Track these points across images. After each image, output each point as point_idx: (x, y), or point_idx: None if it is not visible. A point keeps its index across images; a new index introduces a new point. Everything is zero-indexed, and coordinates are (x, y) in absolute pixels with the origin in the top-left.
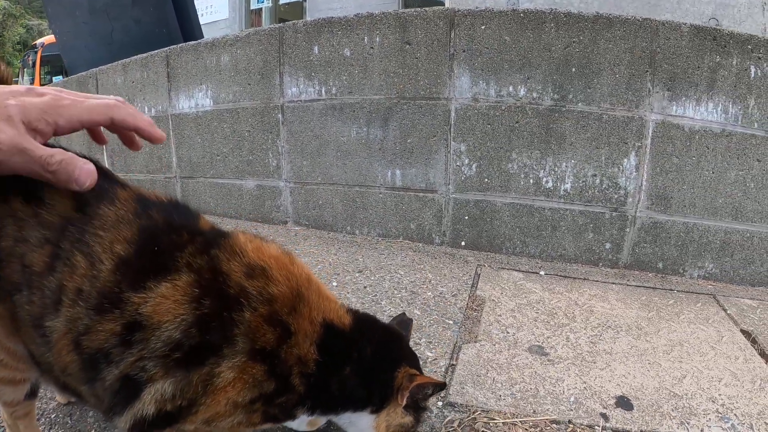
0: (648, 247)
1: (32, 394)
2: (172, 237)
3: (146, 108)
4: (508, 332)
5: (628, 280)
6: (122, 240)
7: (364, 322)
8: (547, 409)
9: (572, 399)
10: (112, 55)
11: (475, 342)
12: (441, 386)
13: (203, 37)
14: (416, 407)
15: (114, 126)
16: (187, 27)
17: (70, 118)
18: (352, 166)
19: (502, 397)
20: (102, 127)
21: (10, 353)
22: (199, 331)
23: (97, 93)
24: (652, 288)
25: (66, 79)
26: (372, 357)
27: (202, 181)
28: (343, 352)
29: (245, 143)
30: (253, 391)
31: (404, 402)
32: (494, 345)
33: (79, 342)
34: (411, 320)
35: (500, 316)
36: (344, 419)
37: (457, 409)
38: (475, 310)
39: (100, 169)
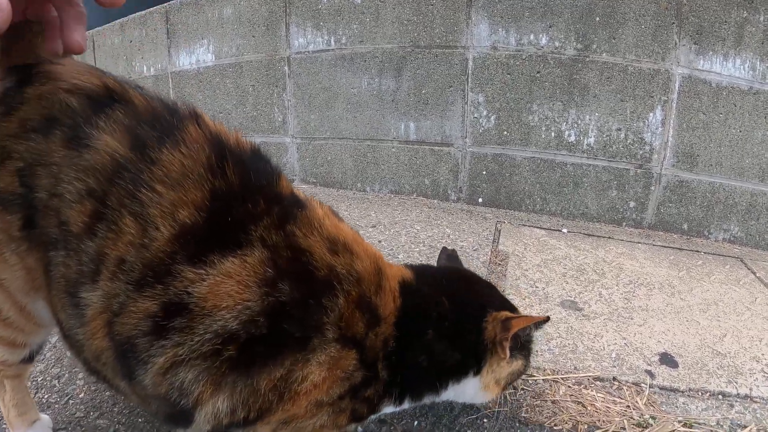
0: (673, 207)
1: (29, 358)
2: (247, 205)
3: (145, 67)
4: (536, 287)
5: (653, 241)
6: (189, 204)
7: (424, 272)
8: (589, 366)
9: (614, 355)
10: (104, 11)
11: None
12: (544, 321)
13: None
14: (522, 348)
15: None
16: None
17: None
18: (363, 119)
19: (540, 353)
20: None
21: (22, 311)
22: (271, 322)
23: (94, 55)
24: (679, 249)
25: None
26: (453, 310)
27: None
28: (421, 315)
29: (249, 98)
30: (342, 385)
31: (508, 354)
32: (524, 299)
33: (113, 324)
34: (455, 251)
35: (526, 270)
36: (449, 394)
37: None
38: (499, 264)
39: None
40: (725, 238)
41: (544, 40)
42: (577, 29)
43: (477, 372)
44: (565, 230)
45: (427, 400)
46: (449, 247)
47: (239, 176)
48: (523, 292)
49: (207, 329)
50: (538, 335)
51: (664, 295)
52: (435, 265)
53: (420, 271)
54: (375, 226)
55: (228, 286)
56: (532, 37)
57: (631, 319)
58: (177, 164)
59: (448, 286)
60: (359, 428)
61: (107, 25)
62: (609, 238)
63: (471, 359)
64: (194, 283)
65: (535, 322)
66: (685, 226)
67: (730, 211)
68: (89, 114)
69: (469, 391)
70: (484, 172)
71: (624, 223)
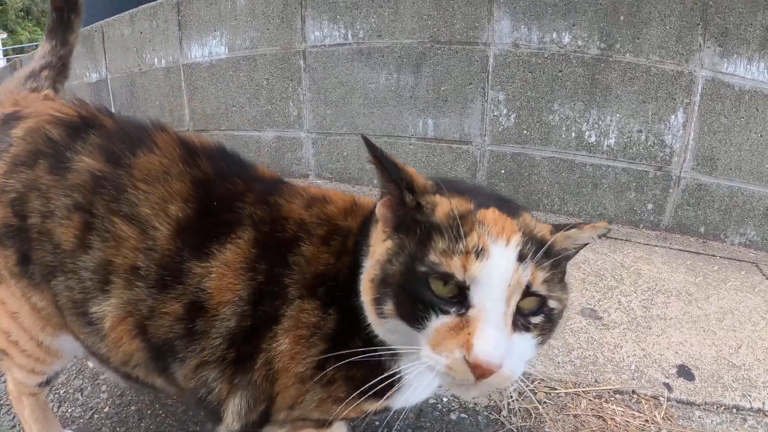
0: (691, 210)
1: (46, 383)
2: (227, 186)
3: (156, 59)
4: None
5: (670, 243)
6: (176, 196)
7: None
8: (609, 378)
9: (633, 367)
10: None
11: None
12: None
13: None
14: None
15: None
16: None
17: None
18: (380, 114)
19: (561, 365)
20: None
21: (39, 346)
22: (254, 309)
23: (104, 47)
24: (695, 253)
25: None
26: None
27: (216, 134)
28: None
29: (263, 92)
30: (312, 344)
31: None
32: None
33: (146, 328)
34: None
35: None
36: None
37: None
38: None
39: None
40: (741, 242)
41: (566, 39)
42: (600, 28)
43: None
44: None
45: None
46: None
47: (212, 166)
48: None
49: (217, 332)
50: (559, 345)
51: (681, 302)
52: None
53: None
54: None
55: (227, 278)
56: (554, 35)
57: (650, 328)
58: (155, 163)
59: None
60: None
61: (117, 16)
62: (626, 240)
63: None
64: (204, 278)
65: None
66: (702, 230)
67: (747, 216)
68: (68, 141)
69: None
70: (503, 171)
71: (641, 225)
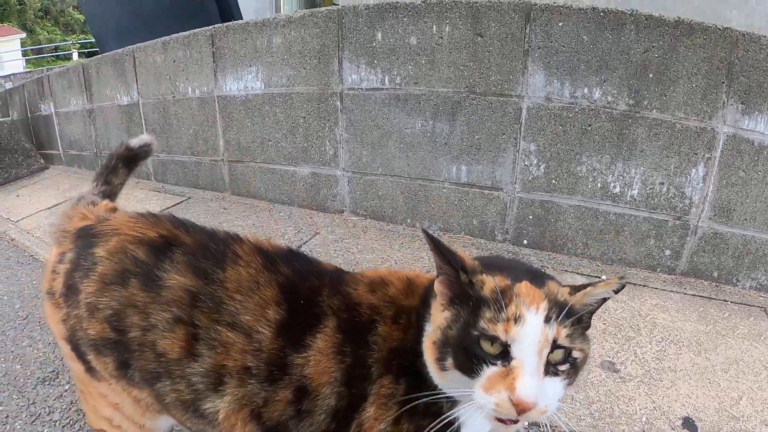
0: (706, 256)
1: None
2: (306, 285)
3: (189, 89)
4: None
5: (685, 288)
6: (270, 302)
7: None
8: (623, 430)
9: (644, 419)
10: (140, 23)
11: None
12: (621, 287)
13: (239, 8)
14: None
15: None
16: None
17: None
18: (415, 159)
19: (582, 418)
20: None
21: (141, 428)
22: (348, 389)
23: (135, 72)
24: (708, 298)
25: (100, 56)
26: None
27: (251, 165)
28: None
29: (300, 129)
30: (390, 407)
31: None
32: None
33: (260, 414)
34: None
35: None
36: None
37: (542, 429)
38: None
39: (209, 230)
40: (752, 286)
41: (597, 94)
42: (630, 85)
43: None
44: (604, 277)
45: None
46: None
47: (289, 268)
48: None
49: (321, 409)
50: (581, 399)
51: (691, 353)
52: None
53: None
54: (429, 271)
55: (323, 363)
56: (585, 90)
57: (661, 381)
58: (243, 274)
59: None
60: None
61: (149, 42)
62: (644, 286)
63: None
64: (304, 366)
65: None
66: (716, 274)
67: (759, 262)
68: (155, 261)
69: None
70: (531, 217)
71: (659, 269)
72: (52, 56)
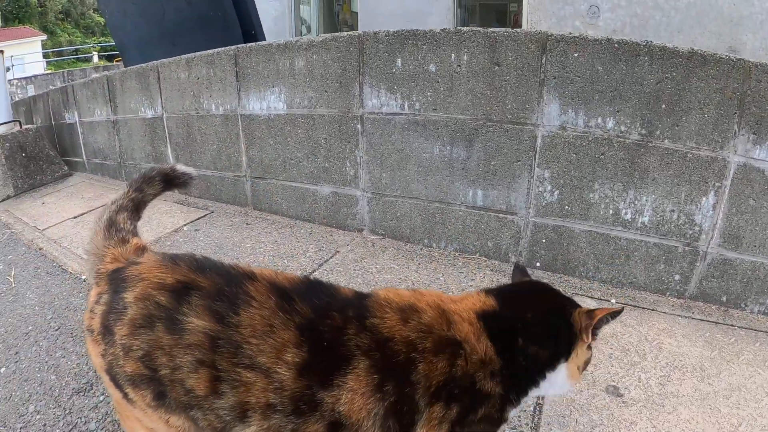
0: (714, 281)
1: None
2: (329, 323)
3: (213, 106)
4: (587, 369)
5: (693, 313)
6: (287, 345)
7: (505, 294)
8: None
9: None
10: (163, 35)
11: None
12: (619, 312)
13: (260, 22)
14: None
15: None
16: (243, 11)
17: None
18: (433, 182)
19: None
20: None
21: None
22: (394, 420)
23: (159, 87)
24: (715, 323)
25: (124, 69)
26: (538, 316)
27: (273, 182)
28: (509, 329)
29: (321, 150)
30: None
31: (590, 339)
32: (574, 384)
33: None
34: (525, 267)
35: None
36: (546, 385)
37: None
38: None
39: (228, 267)
40: (760, 310)
41: (610, 124)
42: (643, 115)
43: (567, 358)
44: (613, 300)
45: (532, 394)
46: (521, 263)
47: (307, 304)
48: None
49: None
50: (585, 422)
51: (694, 379)
52: (513, 283)
53: (502, 292)
54: (444, 292)
55: (358, 401)
56: (599, 120)
57: (663, 406)
58: (257, 317)
59: (530, 300)
60: None
61: (173, 58)
62: (653, 310)
63: (562, 348)
64: (336, 403)
65: (611, 313)
66: (724, 299)
67: (767, 287)
68: (176, 305)
69: (559, 379)
70: (544, 240)
71: (668, 293)
72: (73, 58)
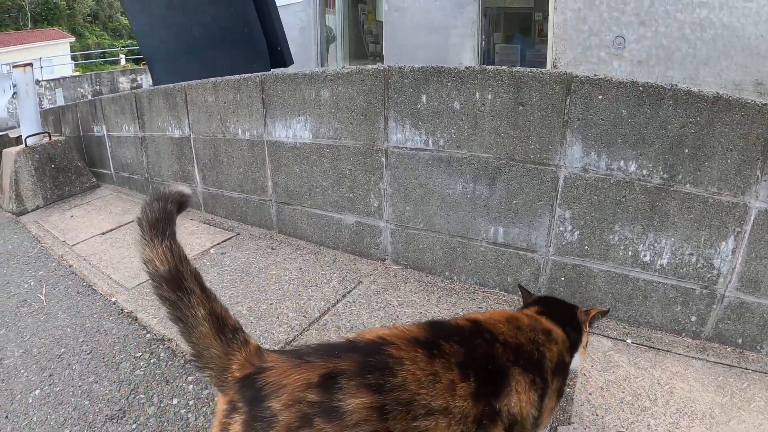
0: (731, 323)
1: None
2: (480, 352)
3: (240, 131)
4: (597, 414)
5: (707, 355)
6: (455, 381)
7: (537, 303)
8: None
9: None
10: (189, 49)
11: (569, 424)
12: (606, 312)
13: (285, 37)
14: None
15: None
16: (269, 26)
17: None
18: (455, 218)
19: None
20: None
21: None
22: (540, 400)
23: (187, 108)
24: (729, 366)
25: (152, 88)
26: (565, 315)
27: (299, 209)
28: (560, 322)
29: (346, 180)
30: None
31: (588, 329)
32: (585, 429)
33: None
34: (525, 286)
35: (590, 394)
36: (575, 356)
37: None
38: (569, 385)
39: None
40: None
41: (632, 167)
42: (665, 159)
43: (580, 343)
44: (629, 340)
45: (572, 365)
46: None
47: (453, 344)
48: (586, 420)
49: (528, 422)
50: None
51: (703, 426)
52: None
53: (537, 300)
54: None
55: (523, 400)
56: (621, 163)
57: None
58: (415, 371)
59: (555, 303)
60: None
61: (199, 81)
62: (668, 351)
63: (579, 336)
64: (510, 407)
65: (601, 312)
66: (740, 341)
67: None
68: (329, 396)
69: (577, 356)
70: (563, 278)
71: (684, 334)
72: (101, 60)
